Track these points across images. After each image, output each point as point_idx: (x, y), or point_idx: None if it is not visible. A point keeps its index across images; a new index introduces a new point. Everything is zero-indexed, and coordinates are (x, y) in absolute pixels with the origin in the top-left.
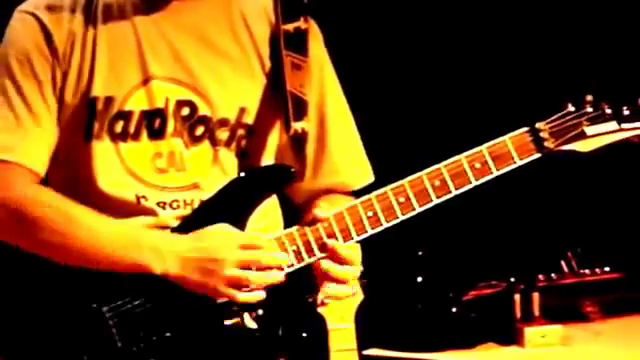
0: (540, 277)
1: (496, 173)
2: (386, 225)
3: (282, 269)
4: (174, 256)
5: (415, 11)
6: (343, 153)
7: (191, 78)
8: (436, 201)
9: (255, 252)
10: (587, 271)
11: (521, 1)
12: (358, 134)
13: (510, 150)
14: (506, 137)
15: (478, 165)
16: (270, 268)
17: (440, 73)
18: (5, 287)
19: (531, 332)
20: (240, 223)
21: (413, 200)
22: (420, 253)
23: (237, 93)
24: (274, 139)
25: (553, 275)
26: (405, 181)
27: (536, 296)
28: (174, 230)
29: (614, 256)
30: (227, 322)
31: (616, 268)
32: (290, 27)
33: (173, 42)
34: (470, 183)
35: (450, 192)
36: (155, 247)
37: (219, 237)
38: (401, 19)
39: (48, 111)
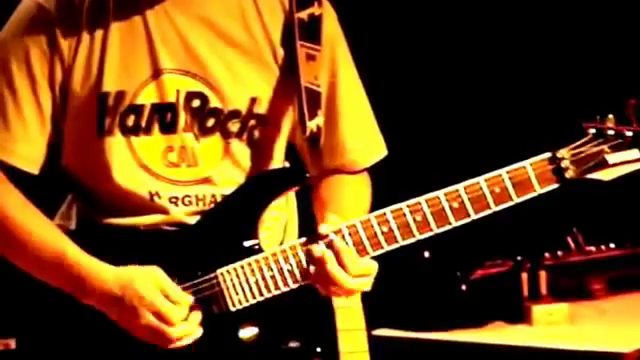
0: (547, 255)
1: (516, 200)
2: (402, 243)
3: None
4: (96, 290)
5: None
6: (353, 131)
7: (202, 70)
8: (455, 224)
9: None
10: (593, 248)
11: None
12: (370, 109)
13: (530, 177)
14: (526, 163)
15: (497, 190)
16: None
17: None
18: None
19: (538, 310)
20: (253, 223)
21: (430, 219)
22: None
23: (248, 83)
24: (286, 128)
25: (559, 253)
26: (422, 199)
27: (543, 274)
28: (189, 231)
29: (619, 233)
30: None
31: (621, 245)
32: (304, 14)
33: (184, 33)
34: (489, 208)
35: (469, 216)
36: (76, 276)
37: (141, 287)
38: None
39: (38, 108)
